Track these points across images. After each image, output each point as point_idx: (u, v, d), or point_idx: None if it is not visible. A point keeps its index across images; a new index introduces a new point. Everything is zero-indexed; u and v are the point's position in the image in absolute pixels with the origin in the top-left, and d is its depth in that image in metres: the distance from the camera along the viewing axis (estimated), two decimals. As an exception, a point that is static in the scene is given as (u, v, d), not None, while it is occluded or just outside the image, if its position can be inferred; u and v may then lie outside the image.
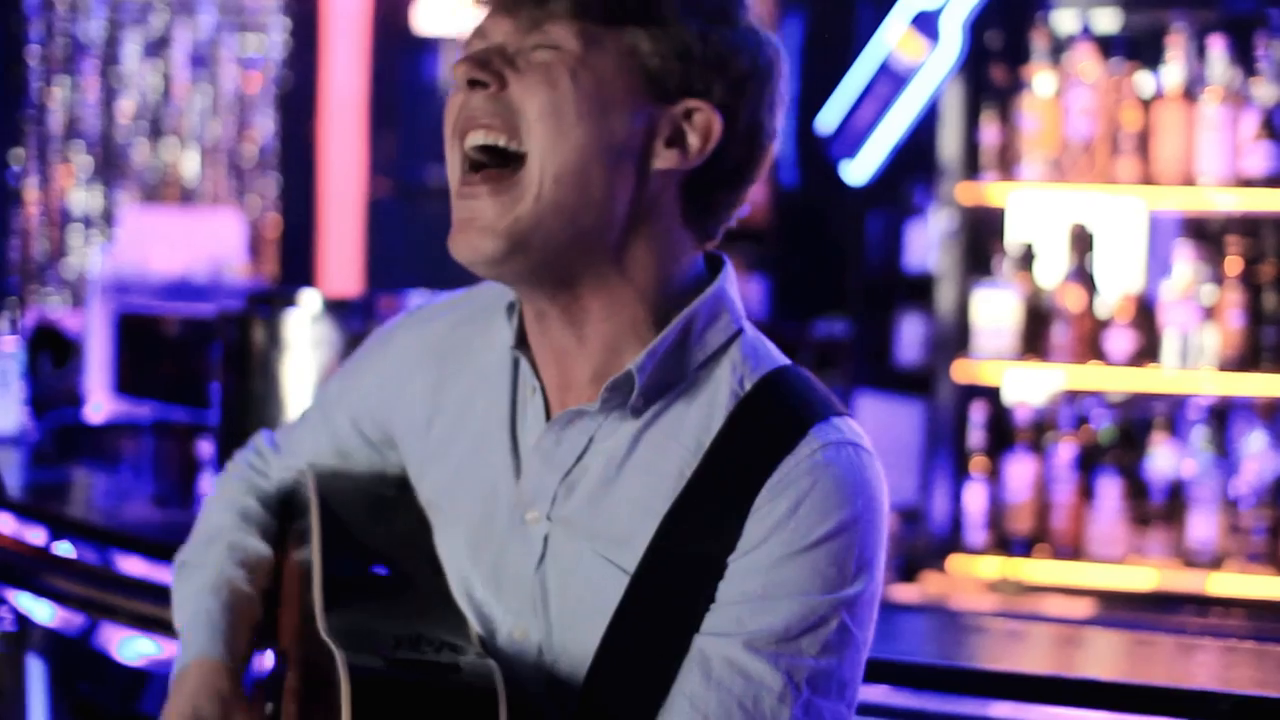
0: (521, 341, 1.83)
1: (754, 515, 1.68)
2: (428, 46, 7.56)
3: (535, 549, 1.79)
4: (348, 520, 1.93)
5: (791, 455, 1.70)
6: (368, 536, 1.92)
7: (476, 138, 1.70)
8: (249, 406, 3.62)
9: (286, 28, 7.47)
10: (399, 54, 7.53)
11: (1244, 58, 5.02)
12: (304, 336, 3.61)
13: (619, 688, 1.72)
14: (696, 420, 1.75)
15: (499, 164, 1.70)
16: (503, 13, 1.73)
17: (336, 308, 3.67)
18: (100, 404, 5.32)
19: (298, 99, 7.47)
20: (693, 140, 1.74)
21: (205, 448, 4.07)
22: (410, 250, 7.50)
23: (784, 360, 1.80)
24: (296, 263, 7.32)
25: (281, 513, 2.07)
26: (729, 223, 1.83)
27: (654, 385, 1.75)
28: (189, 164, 7.51)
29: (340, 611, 1.80)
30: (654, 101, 1.72)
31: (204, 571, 1.97)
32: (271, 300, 3.76)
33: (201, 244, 6.30)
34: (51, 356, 5.57)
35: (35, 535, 3.73)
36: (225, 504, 2.05)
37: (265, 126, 7.54)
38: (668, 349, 1.74)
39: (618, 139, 1.71)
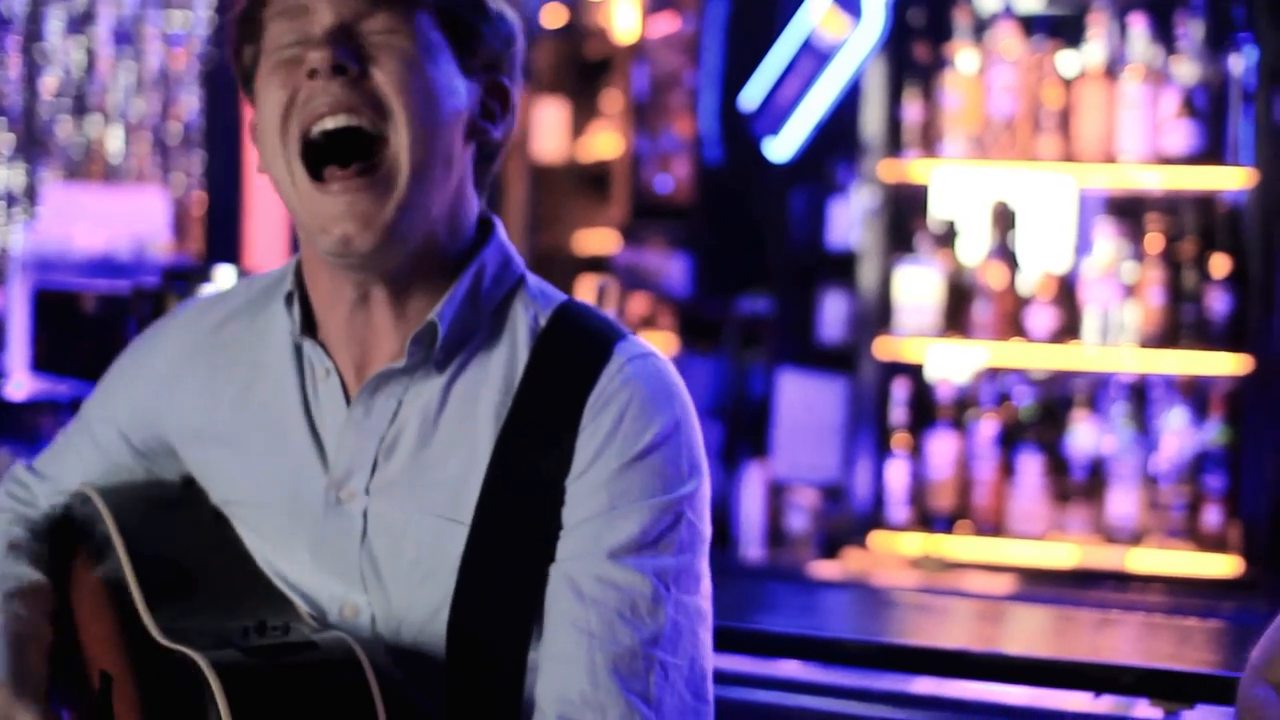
0: (305, 329, 1.83)
1: (581, 435, 1.74)
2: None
3: (355, 526, 1.80)
4: (142, 527, 1.89)
5: (603, 373, 1.76)
6: (168, 539, 1.89)
7: (336, 121, 1.71)
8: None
9: (211, 4, 7.40)
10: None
11: (1165, 36, 5.04)
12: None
13: (482, 637, 1.74)
14: (500, 362, 1.79)
15: (358, 154, 1.72)
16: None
17: (254, 283, 3.64)
18: (20, 382, 5.27)
19: (222, 75, 7.39)
20: (497, 113, 1.83)
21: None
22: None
23: (565, 296, 1.87)
24: (221, 240, 7.26)
25: (55, 539, 1.98)
26: None
27: (455, 335, 1.78)
28: (113, 141, 7.43)
29: (166, 615, 1.77)
30: (469, 76, 1.79)
31: None
32: (187, 275, 3.73)
33: (125, 222, 6.23)
34: (-29, 334, 5.51)
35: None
36: None
37: (190, 103, 7.47)
38: (464, 296, 1.79)
39: (458, 116, 1.77)
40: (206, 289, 3.56)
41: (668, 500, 1.74)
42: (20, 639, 1.85)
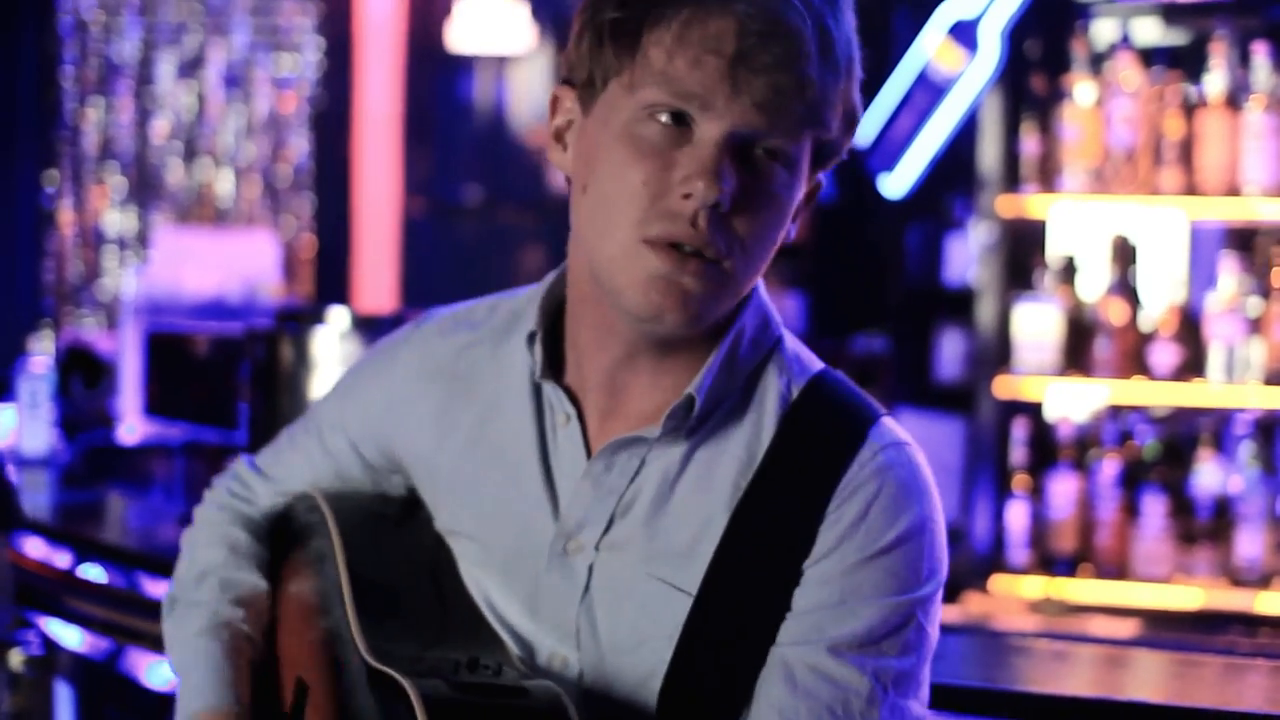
0: (547, 370, 1.78)
1: (825, 522, 1.67)
2: (461, 65, 7.53)
3: (579, 580, 1.75)
4: (364, 542, 1.87)
5: (854, 459, 1.69)
6: (388, 558, 1.86)
7: (688, 245, 1.63)
8: (277, 425, 3.56)
9: (320, 47, 7.44)
10: (433, 72, 7.50)
11: (1289, 65, 4.93)
12: (333, 354, 3.56)
13: (692, 710, 1.69)
14: (746, 431, 1.73)
15: None
16: (768, 113, 1.62)
17: (365, 324, 3.62)
18: (132, 425, 5.29)
19: (332, 118, 7.44)
20: (804, 212, 1.75)
21: (236, 469, 4.01)
22: (445, 268, 7.46)
23: (822, 364, 1.79)
24: (331, 283, 7.29)
25: (273, 541, 1.98)
26: None
27: (707, 404, 1.72)
28: (223, 184, 7.48)
29: (377, 635, 1.75)
30: (806, 183, 1.71)
31: (198, 612, 1.89)
32: (300, 317, 3.71)
33: (235, 265, 6.26)
34: (83, 378, 5.53)
35: (63, 559, 3.68)
36: (212, 536, 1.96)
37: (300, 146, 7.51)
38: (720, 365, 1.72)
39: (784, 232, 1.71)
40: (319, 330, 3.54)
41: (901, 601, 1.66)
42: (242, 656, 1.86)
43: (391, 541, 1.89)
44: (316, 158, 7.46)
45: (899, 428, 1.74)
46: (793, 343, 1.79)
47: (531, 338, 1.78)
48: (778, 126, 1.61)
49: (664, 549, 1.71)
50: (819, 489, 1.68)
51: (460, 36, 7.28)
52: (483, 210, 7.53)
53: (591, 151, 1.67)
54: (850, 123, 1.70)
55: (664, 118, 1.62)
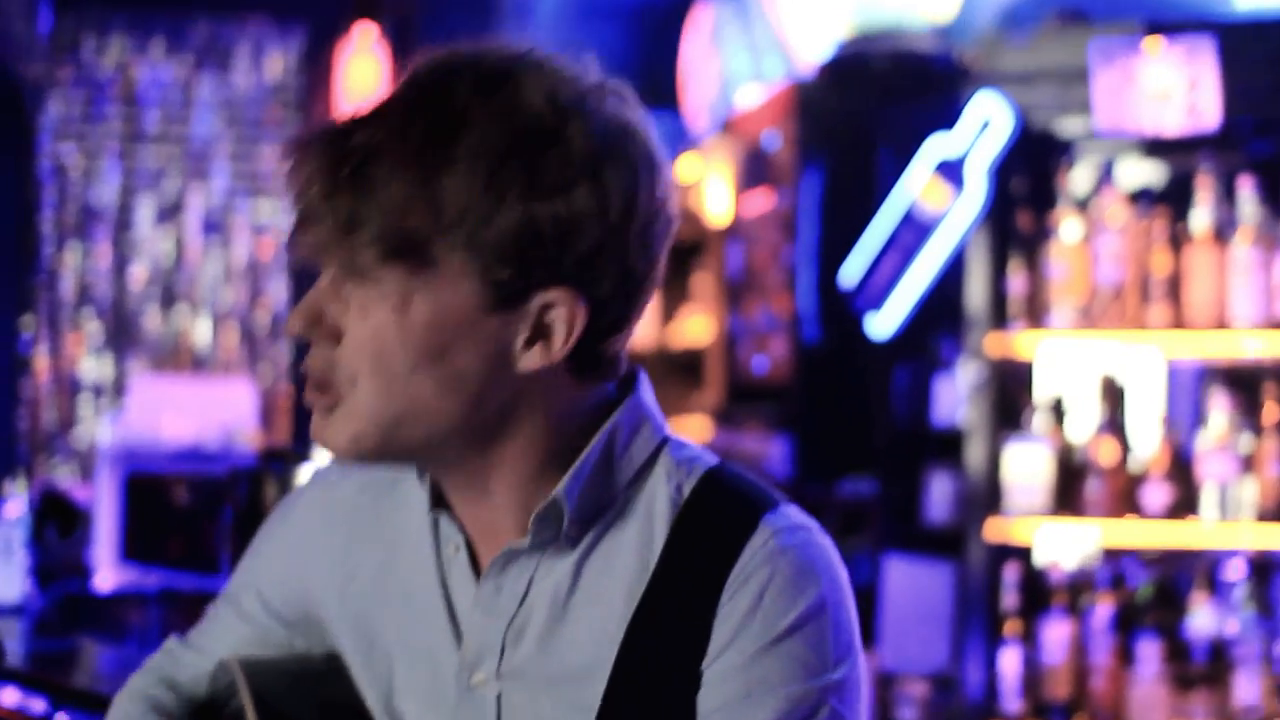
0: (438, 501, 1.72)
1: (719, 616, 1.59)
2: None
3: (489, 713, 1.68)
4: (280, 704, 1.81)
5: (746, 548, 1.61)
6: (305, 717, 1.81)
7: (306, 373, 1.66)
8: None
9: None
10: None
11: (1275, 198, 4.92)
12: (316, 495, 3.48)
13: None
14: (637, 537, 1.65)
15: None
16: (309, 250, 1.63)
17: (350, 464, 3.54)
18: (107, 574, 5.19)
19: (311, 266, 7.39)
20: (557, 332, 1.61)
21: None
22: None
23: (715, 459, 1.71)
24: (309, 431, 7.21)
25: (198, 711, 1.91)
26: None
27: (586, 509, 1.64)
28: (201, 331, 7.43)
29: None
30: (498, 312, 1.59)
31: None
32: (285, 456, 3.65)
33: (213, 412, 6.20)
34: (58, 526, 5.44)
35: (37, 705, 3.59)
36: (133, 695, 1.91)
37: (278, 293, 7.47)
38: (593, 468, 1.64)
39: (461, 370, 1.60)
40: (304, 469, 3.47)
41: (810, 688, 1.58)
42: None
43: (308, 699, 1.83)
44: (294, 305, 7.41)
45: (799, 513, 1.67)
46: (680, 442, 1.72)
47: (421, 470, 1.74)
48: (321, 251, 1.61)
49: (564, 670, 1.65)
50: (711, 585, 1.60)
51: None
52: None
53: None
54: (537, 237, 1.57)
55: None
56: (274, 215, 7.46)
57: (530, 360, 1.60)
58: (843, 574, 1.65)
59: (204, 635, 1.94)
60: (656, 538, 1.64)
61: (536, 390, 1.63)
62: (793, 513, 1.66)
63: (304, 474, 3.47)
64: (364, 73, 7.51)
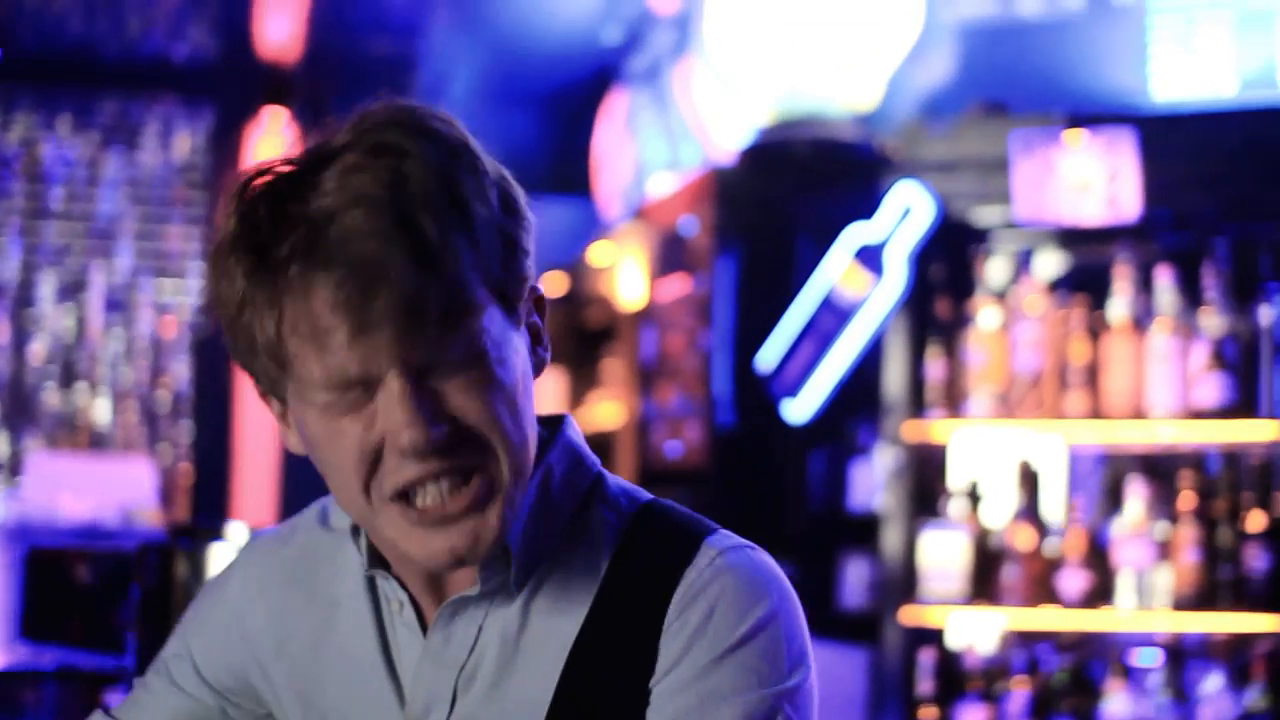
0: (374, 560, 1.69)
1: (666, 634, 1.59)
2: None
3: None
4: None
5: (691, 567, 1.61)
6: None
7: (438, 491, 1.55)
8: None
9: (205, 272, 7.34)
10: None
11: (1191, 288, 4.97)
12: (231, 570, 3.40)
13: None
14: (583, 570, 1.65)
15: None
16: (398, 348, 1.52)
17: (265, 539, 3.46)
18: (1, 652, 5.06)
19: (214, 345, 7.31)
20: (541, 329, 1.66)
21: (116, 697, 3.81)
22: (327, 495, 7.29)
23: (649, 495, 1.72)
24: (209, 510, 7.10)
25: None
26: None
27: (529, 552, 1.63)
28: (100, 409, 7.30)
29: None
30: (517, 324, 1.61)
31: None
32: (195, 532, 3.55)
33: (112, 491, 6.09)
34: (-48, 603, 5.30)
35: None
36: None
37: (180, 372, 7.36)
38: (531, 510, 1.63)
39: (529, 385, 1.61)
40: (216, 547, 3.39)
41: (763, 695, 1.57)
42: None
43: None
44: (197, 384, 7.31)
45: (737, 536, 1.67)
46: (616, 480, 1.72)
47: (355, 530, 1.70)
48: (430, 347, 1.52)
49: (514, 712, 1.62)
50: (655, 604, 1.60)
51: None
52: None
53: (307, 443, 1.60)
54: (507, 243, 1.57)
55: (342, 403, 1.54)
56: (178, 294, 7.37)
57: (540, 358, 1.64)
58: (789, 587, 1.65)
59: (133, 709, 1.87)
60: (601, 569, 1.64)
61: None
62: (733, 535, 1.67)
63: (215, 551, 3.39)
64: (273, 154, 7.46)
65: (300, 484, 7.17)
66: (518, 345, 1.60)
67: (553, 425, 1.71)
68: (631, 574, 1.63)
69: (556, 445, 1.68)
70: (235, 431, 7.25)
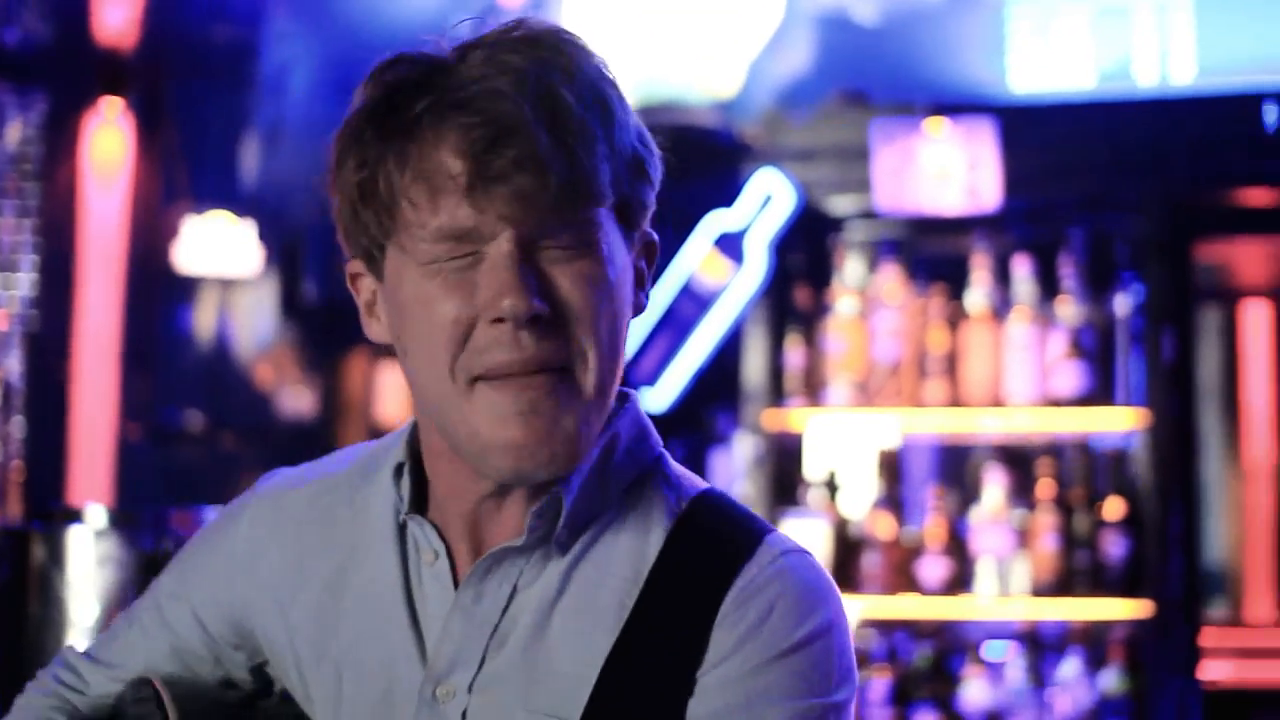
0: (414, 505, 1.63)
1: (720, 626, 1.55)
2: (183, 288, 7.29)
3: None
4: None
5: (752, 562, 1.56)
6: None
7: (524, 367, 1.51)
8: (26, 635, 3.26)
9: (37, 265, 7.13)
10: (154, 295, 7.24)
11: (1048, 278, 5.02)
12: (89, 555, 3.29)
13: None
14: (630, 547, 1.60)
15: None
16: (513, 209, 1.50)
17: (125, 522, 3.35)
18: None
19: (46, 340, 7.10)
20: (647, 273, 1.64)
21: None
22: (161, 496, 7.14)
23: (706, 484, 1.68)
24: (41, 506, 6.89)
25: None
26: None
27: (581, 512, 1.58)
28: (-73, 404, 7.05)
29: None
30: (632, 248, 1.60)
31: None
32: (51, 515, 3.43)
33: (-60, 487, 5.89)
34: None
35: None
36: (29, 715, 1.78)
37: (11, 367, 7.14)
38: (592, 469, 1.58)
39: (630, 303, 1.60)
40: (74, 530, 3.28)
41: (813, 705, 1.53)
42: None
43: None
44: (29, 379, 7.09)
45: (794, 539, 1.64)
46: (676, 464, 1.68)
47: (399, 470, 1.65)
48: (547, 218, 1.50)
49: (545, 680, 1.56)
50: (710, 594, 1.56)
51: (189, 256, 7.06)
52: (204, 436, 7.24)
53: (397, 315, 1.57)
54: (639, 166, 1.58)
55: (447, 262, 1.52)
56: (8, 287, 7.15)
57: (640, 301, 1.62)
58: (842, 600, 1.62)
59: (114, 647, 1.81)
60: (651, 548, 1.59)
61: None
62: (790, 537, 1.63)
63: (74, 534, 3.28)
64: (109, 145, 7.28)
65: (137, 484, 7.01)
66: (627, 265, 1.58)
67: (621, 399, 1.66)
68: (687, 559, 1.58)
69: (625, 415, 1.64)
70: (70, 429, 7.06)
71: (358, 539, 1.68)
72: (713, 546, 1.58)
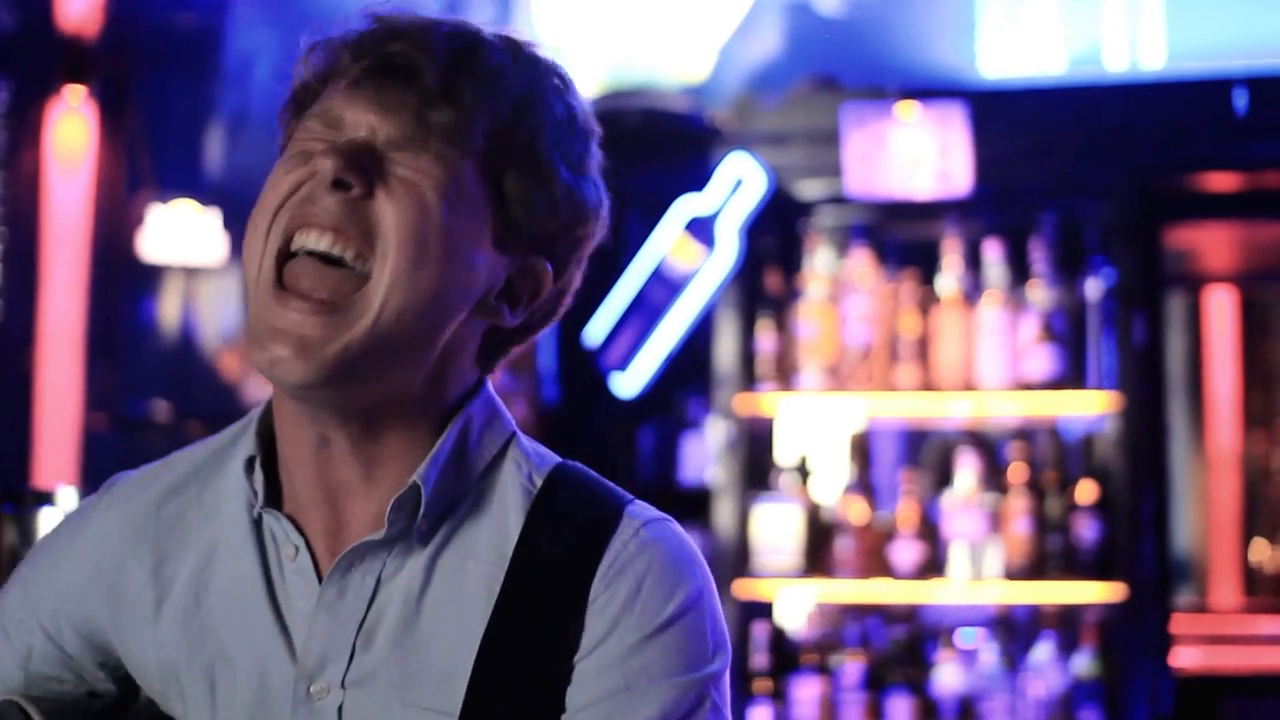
0: (269, 499, 1.62)
1: (592, 608, 1.54)
2: (148, 277, 7.25)
3: None
4: None
5: (616, 537, 1.57)
6: None
7: (318, 241, 1.52)
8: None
9: (-1, 254, 7.07)
10: (121, 282, 7.19)
11: (1019, 262, 5.03)
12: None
13: None
14: (491, 530, 1.59)
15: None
16: (375, 107, 1.55)
17: (98, 506, 3.32)
18: None
19: (11, 329, 7.05)
20: (523, 298, 1.63)
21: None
22: (129, 488, 7.08)
23: (559, 457, 1.68)
24: (11, 491, 6.84)
25: None
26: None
27: (439, 500, 1.58)
28: (-110, 394, 6.99)
29: None
30: (501, 251, 1.59)
31: None
32: (21, 497, 3.39)
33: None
34: None
35: None
36: None
37: (-26, 357, 7.08)
38: (448, 456, 1.58)
39: (468, 284, 1.57)
40: (45, 513, 3.24)
41: (693, 679, 1.53)
42: None
43: None
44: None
45: (653, 508, 1.63)
46: (528, 439, 1.68)
47: (250, 463, 1.62)
48: (408, 132, 1.55)
49: (419, 673, 1.55)
50: (578, 577, 1.55)
51: (152, 246, 7.01)
52: (170, 426, 7.19)
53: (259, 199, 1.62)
54: (554, 200, 1.60)
55: (309, 141, 1.57)
56: (-29, 275, 7.09)
57: (490, 312, 1.60)
58: (706, 565, 1.62)
59: None
60: (512, 529, 1.58)
61: (458, 354, 1.60)
62: (649, 506, 1.63)
63: (45, 516, 3.24)
64: (72, 133, 7.22)
65: (103, 475, 6.94)
66: (477, 239, 1.57)
67: (477, 385, 1.65)
68: (550, 538, 1.57)
69: (479, 397, 1.63)
70: (35, 420, 7.02)
71: (214, 538, 1.65)
72: (574, 522, 1.58)
